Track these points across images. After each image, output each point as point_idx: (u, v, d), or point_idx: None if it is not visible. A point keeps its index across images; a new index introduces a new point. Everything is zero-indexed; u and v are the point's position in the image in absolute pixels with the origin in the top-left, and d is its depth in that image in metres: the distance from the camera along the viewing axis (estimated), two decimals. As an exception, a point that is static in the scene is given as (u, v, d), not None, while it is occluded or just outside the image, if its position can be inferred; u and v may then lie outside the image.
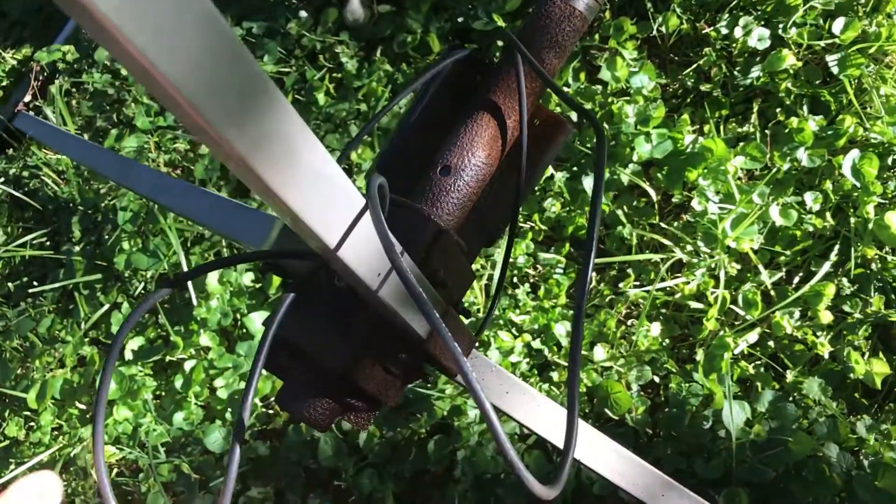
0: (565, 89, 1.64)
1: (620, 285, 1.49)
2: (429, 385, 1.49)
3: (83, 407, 1.69)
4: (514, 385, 0.90)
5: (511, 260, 1.52)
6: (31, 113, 1.94)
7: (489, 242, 0.93)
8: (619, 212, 1.50)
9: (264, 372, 1.58)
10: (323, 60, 1.81)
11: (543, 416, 0.90)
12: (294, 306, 0.79)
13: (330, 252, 0.52)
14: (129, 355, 1.66)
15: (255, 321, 1.59)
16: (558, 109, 1.59)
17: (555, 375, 1.44)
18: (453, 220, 0.83)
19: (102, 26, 0.28)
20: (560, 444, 0.91)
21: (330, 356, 0.74)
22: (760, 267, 1.43)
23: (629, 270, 1.50)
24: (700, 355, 1.41)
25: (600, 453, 0.91)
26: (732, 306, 1.44)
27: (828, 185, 1.45)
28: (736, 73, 1.56)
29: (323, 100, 1.75)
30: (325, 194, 0.48)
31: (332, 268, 0.63)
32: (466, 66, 0.89)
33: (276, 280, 1.60)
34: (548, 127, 0.89)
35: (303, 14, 1.85)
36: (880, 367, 1.34)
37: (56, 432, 1.68)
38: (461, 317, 0.81)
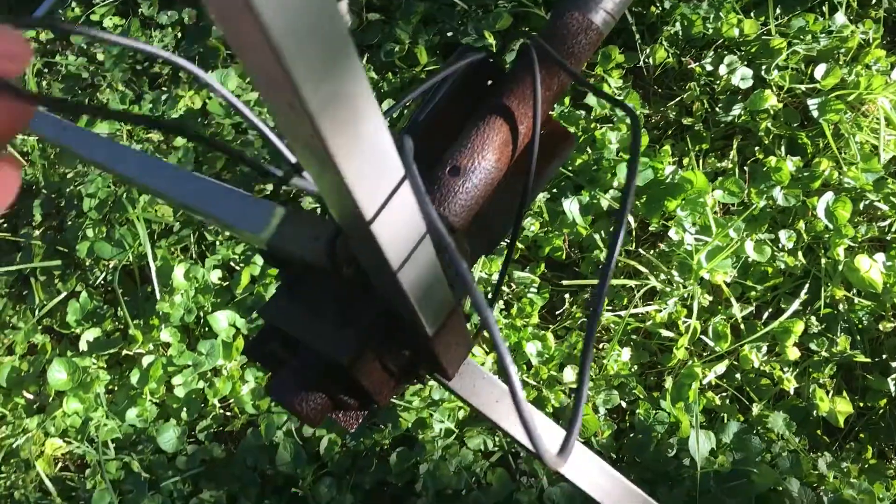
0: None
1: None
2: (396, 396, 1.47)
3: (30, 397, 1.62)
4: (504, 394, 0.89)
5: (485, 276, 1.52)
6: None
7: (489, 249, 0.92)
8: (597, 236, 1.51)
9: (224, 372, 1.54)
10: (308, 62, 1.79)
11: (531, 425, 0.89)
12: (293, 296, 0.78)
13: (363, 226, 0.51)
14: (83, 346, 1.60)
15: (220, 320, 1.55)
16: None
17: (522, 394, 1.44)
18: (459, 221, 0.82)
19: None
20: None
21: (332, 348, 0.71)
22: (732, 300, 1.45)
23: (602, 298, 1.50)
24: (668, 383, 1.42)
25: (586, 469, 0.91)
26: (703, 336, 1.45)
27: (801, 224, 1.48)
28: (718, 109, 1.59)
29: (305, 101, 1.73)
30: (374, 164, 0.47)
31: (350, 249, 0.62)
32: (480, 69, 0.88)
33: (245, 278, 1.57)
34: (554, 137, 0.89)
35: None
36: (844, 406, 1.37)
37: (-1, 422, 1.61)
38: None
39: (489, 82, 0.90)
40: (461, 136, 0.84)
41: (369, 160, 0.46)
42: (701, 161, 1.57)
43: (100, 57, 1.91)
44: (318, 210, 1.64)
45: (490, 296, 1.41)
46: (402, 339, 0.76)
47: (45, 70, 1.97)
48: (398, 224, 0.54)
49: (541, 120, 0.85)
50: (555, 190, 1.56)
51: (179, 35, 1.90)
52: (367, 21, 1.79)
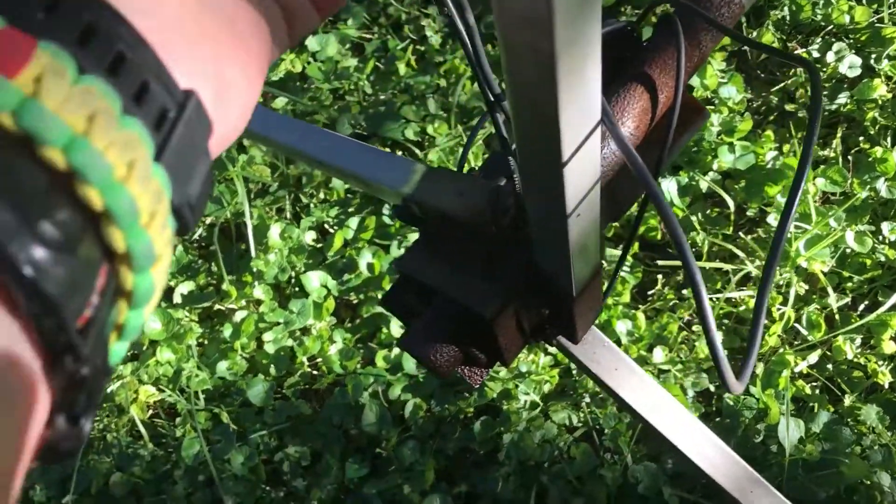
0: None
1: (685, 291, 1.49)
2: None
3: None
4: (623, 363, 0.90)
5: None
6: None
7: (616, 217, 0.92)
8: (694, 218, 1.50)
9: (313, 332, 1.57)
10: (407, 31, 1.81)
11: (647, 396, 0.90)
12: (433, 250, 0.79)
13: (555, 169, 0.52)
14: (177, 298, 1.65)
15: (312, 280, 1.59)
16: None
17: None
18: (597, 185, 0.82)
19: None
20: (659, 426, 0.91)
21: (476, 301, 0.73)
22: (829, 289, 1.44)
23: (697, 277, 1.50)
24: (759, 369, 1.41)
25: (696, 441, 0.91)
26: (796, 325, 1.44)
27: (905, 218, 1.45)
28: (823, 96, 1.57)
29: (403, 70, 1.75)
30: (584, 106, 0.48)
31: (525, 199, 0.63)
32: (617, 38, 0.89)
33: (338, 241, 1.60)
34: (688, 111, 0.89)
35: (393, -17, 1.85)
36: (942, 403, 1.35)
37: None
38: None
39: (627, 53, 0.90)
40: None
41: (582, 103, 0.47)
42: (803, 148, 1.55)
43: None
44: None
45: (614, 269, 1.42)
46: (542, 298, 0.77)
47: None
48: (583, 170, 0.55)
49: (684, 88, 0.85)
50: (652, 170, 1.55)
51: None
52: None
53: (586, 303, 0.78)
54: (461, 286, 0.74)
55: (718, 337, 1.40)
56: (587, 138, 0.51)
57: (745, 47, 1.63)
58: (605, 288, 0.91)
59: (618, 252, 1.52)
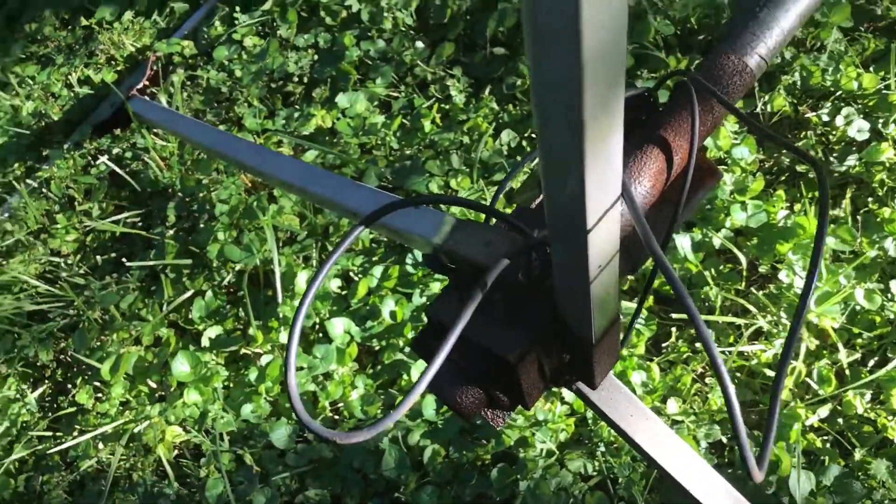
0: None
1: (698, 344, 1.53)
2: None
3: (153, 385, 1.73)
4: (638, 409, 0.94)
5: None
6: (147, 98, 2.03)
7: (633, 270, 0.97)
8: (707, 273, 1.55)
9: (336, 377, 1.62)
10: (433, 90, 1.90)
11: (661, 442, 0.94)
12: (461, 297, 0.84)
13: (581, 234, 0.58)
14: (205, 342, 1.71)
15: (336, 326, 1.64)
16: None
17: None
18: (614, 240, 0.88)
19: None
20: (673, 472, 0.95)
21: (502, 346, 0.78)
22: (839, 345, 1.47)
23: (709, 330, 1.54)
24: (772, 422, 1.44)
25: (710, 488, 0.95)
26: (807, 379, 1.47)
27: (913, 276, 1.50)
28: (832, 158, 1.63)
29: (428, 127, 1.82)
30: (606, 178, 0.54)
31: (550, 255, 0.68)
32: (636, 103, 0.95)
33: (362, 289, 1.65)
34: (702, 171, 0.95)
35: (419, 45, 1.94)
36: (951, 459, 1.37)
37: (123, 407, 1.71)
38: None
39: (643, 116, 0.96)
40: (619, 162, 0.90)
41: (604, 174, 0.53)
42: (813, 207, 1.60)
43: (238, 73, 2.04)
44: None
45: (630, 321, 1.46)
46: (563, 344, 0.82)
47: (188, 83, 2.12)
48: (605, 238, 0.61)
49: (697, 151, 0.91)
50: (667, 226, 1.60)
51: (315, 57, 2.02)
52: (492, 55, 1.88)
53: (604, 350, 0.82)
54: (487, 332, 0.79)
55: (732, 388, 1.44)
56: (609, 209, 0.57)
57: (758, 109, 1.70)
58: (621, 338, 0.96)
59: (633, 305, 1.57)
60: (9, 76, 2.39)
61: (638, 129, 0.94)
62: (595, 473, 1.48)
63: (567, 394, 1.54)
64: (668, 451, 0.95)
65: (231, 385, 1.69)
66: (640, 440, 0.94)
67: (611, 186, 0.55)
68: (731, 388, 0.51)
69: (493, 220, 0.91)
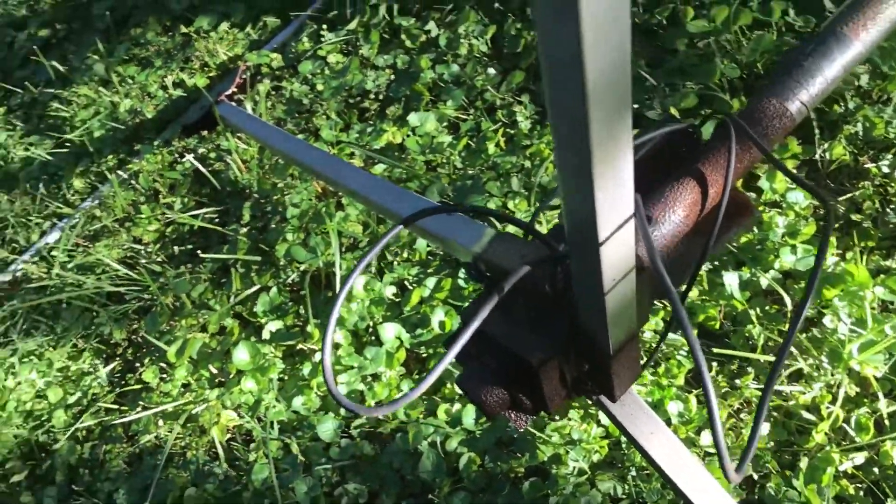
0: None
1: (738, 381, 1.56)
2: (543, 420, 1.57)
3: (214, 371, 1.84)
4: (659, 428, 0.99)
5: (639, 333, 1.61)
6: (234, 104, 2.17)
7: (661, 297, 1.03)
8: (752, 312, 1.58)
9: (383, 379, 1.70)
10: (500, 115, 1.98)
11: (678, 461, 0.98)
12: (495, 304, 0.91)
13: (593, 247, 0.64)
14: (266, 335, 1.81)
15: (388, 330, 1.72)
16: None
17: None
18: (645, 263, 0.93)
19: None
20: (687, 492, 0.99)
21: (526, 349, 0.84)
22: (880, 394, 1.48)
23: (749, 368, 1.57)
24: (804, 463, 1.46)
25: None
26: (844, 425, 1.48)
27: (962, 333, 1.49)
28: (889, 210, 1.64)
29: (492, 149, 1.91)
30: (617, 196, 0.60)
31: (570, 267, 0.74)
32: (678, 137, 1.01)
33: (415, 298, 1.73)
34: (738, 207, 0.99)
35: (491, 71, 2.03)
36: (984, 518, 1.37)
37: (184, 388, 1.83)
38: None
39: (685, 150, 1.02)
40: (657, 190, 0.96)
41: (614, 192, 0.59)
42: (865, 257, 1.61)
43: (319, 87, 2.17)
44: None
45: (653, 346, 1.50)
46: (583, 354, 0.88)
47: (273, 92, 2.26)
48: (617, 252, 0.67)
49: (731, 187, 0.96)
50: (717, 262, 1.64)
51: (392, 77, 2.13)
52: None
53: (623, 363, 0.88)
54: (514, 336, 0.86)
55: (766, 428, 1.46)
56: (621, 226, 0.64)
57: (817, 156, 1.72)
58: (646, 360, 1.01)
59: (679, 338, 1.61)
60: (111, 75, 2.58)
61: (679, 161, 0.99)
62: (624, 497, 1.52)
63: (603, 417, 1.58)
64: (686, 473, 0.99)
65: (285, 377, 1.79)
66: (657, 457, 0.99)
67: (622, 204, 0.62)
68: (712, 391, 0.57)
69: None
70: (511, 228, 1.67)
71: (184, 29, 2.62)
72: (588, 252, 0.66)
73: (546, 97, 0.51)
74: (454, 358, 0.97)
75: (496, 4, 2.16)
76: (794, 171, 1.71)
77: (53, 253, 2.17)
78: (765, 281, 1.58)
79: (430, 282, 1.76)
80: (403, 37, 2.20)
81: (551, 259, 0.81)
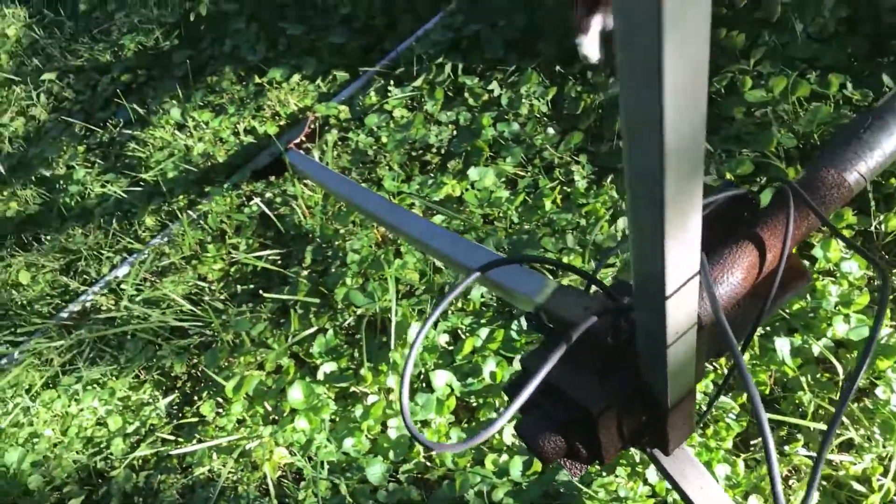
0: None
1: (787, 447, 1.56)
2: (592, 473, 1.59)
3: (269, 408, 1.89)
4: (709, 484, 1.01)
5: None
6: (302, 152, 2.27)
7: (717, 356, 1.06)
8: (803, 379, 1.58)
9: (433, 425, 1.72)
10: (558, 173, 2.04)
11: (727, 518, 1.00)
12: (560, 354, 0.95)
13: (660, 300, 0.68)
14: (320, 375, 1.86)
15: (439, 378, 1.76)
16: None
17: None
18: (705, 321, 0.97)
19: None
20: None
21: (587, 398, 0.88)
22: (936, 470, 1.47)
23: (798, 435, 1.57)
24: (853, 535, 1.45)
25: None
26: (895, 498, 1.47)
27: None
28: (945, 284, 1.64)
29: (549, 206, 1.96)
30: (685, 253, 0.64)
31: (635, 317, 0.78)
32: (738, 202, 1.05)
33: (468, 347, 1.77)
34: (793, 272, 1.02)
35: (551, 131, 2.10)
36: None
37: (239, 424, 1.89)
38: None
39: (744, 214, 1.06)
40: (715, 252, 1.00)
41: (682, 249, 0.64)
42: (919, 329, 1.62)
43: (384, 139, 2.26)
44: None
45: (704, 407, 1.51)
46: (643, 405, 0.91)
47: (340, 143, 2.35)
48: (681, 307, 0.71)
49: (788, 253, 0.99)
50: (768, 328, 1.65)
51: (454, 133, 2.21)
52: (617, 147, 2.00)
53: (679, 418, 0.91)
54: (575, 384, 0.90)
55: (816, 497, 1.47)
56: (687, 282, 0.68)
57: (872, 227, 1.74)
58: (696, 420, 1.04)
59: (728, 401, 1.62)
60: (187, 119, 2.72)
61: (739, 225, 1.03)
62: (669, 557, 1.52)
63: (650, 476, 1.59)
64: (733, 528, 1.01)
65: (337, 419, 1.83)
66: (707, 512, 1.00)
67: (689, 261, 0.66)
68: (772, 443, 0.60)
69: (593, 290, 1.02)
70: (567, 280, 1.71)
71: (257, 79, 2.76)
72: (654, 305, 0.70)
73: (624, 157, 0.55)
74: (510, 397, 1.01)
75: (557, 67, 2.24)
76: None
77: (122, 286, 2.27)
78: (817, 348, 1.59)
79: (483, 332, 1.80)
80: (466, 95, 2.29)
81: (615, 311, 0.85)
